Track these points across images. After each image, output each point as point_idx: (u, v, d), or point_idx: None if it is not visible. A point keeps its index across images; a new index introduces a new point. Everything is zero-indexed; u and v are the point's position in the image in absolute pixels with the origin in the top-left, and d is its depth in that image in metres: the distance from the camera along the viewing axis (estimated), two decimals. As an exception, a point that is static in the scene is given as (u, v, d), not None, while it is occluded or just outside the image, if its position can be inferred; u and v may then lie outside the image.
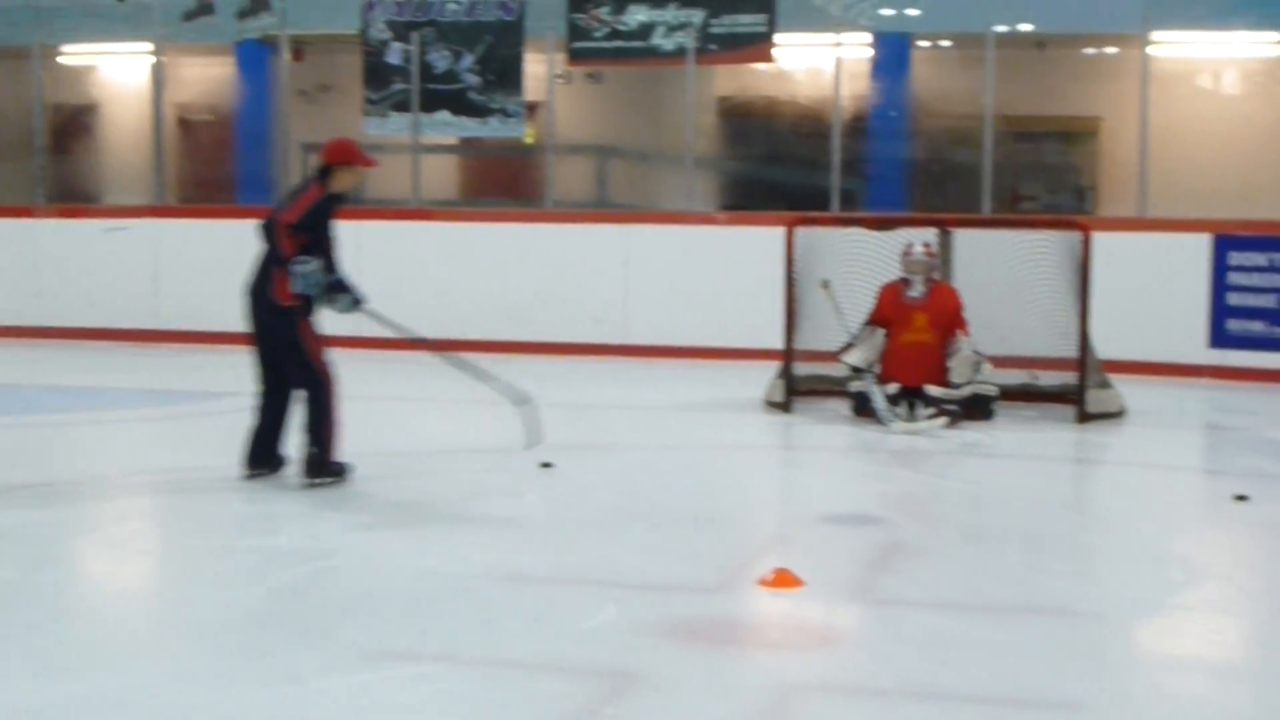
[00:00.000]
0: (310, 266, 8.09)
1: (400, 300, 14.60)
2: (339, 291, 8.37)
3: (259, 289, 8.32)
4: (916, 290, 10.68)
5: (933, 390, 10.44)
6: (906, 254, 10.81)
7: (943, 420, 10.34)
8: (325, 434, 8.31)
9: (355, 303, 8.45)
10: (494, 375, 8.96)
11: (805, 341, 11.29)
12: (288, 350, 8.32)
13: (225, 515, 7.60)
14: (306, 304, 8.22)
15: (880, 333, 10.68)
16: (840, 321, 10.81)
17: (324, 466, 8.28)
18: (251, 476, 8.39)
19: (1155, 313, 12.98)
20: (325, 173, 8.35)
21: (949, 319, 10.60)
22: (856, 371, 10.67)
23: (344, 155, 8.38)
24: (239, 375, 12.99)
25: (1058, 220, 12.25)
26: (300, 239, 8.10)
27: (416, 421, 10.53)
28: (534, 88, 15.11)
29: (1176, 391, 12.34)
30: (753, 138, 16.86)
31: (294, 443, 8.38)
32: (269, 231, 8.17)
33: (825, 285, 10.90)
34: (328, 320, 8.34)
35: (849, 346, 10.71)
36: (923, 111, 16.08)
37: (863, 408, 10.68)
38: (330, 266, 8.33)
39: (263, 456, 8.46)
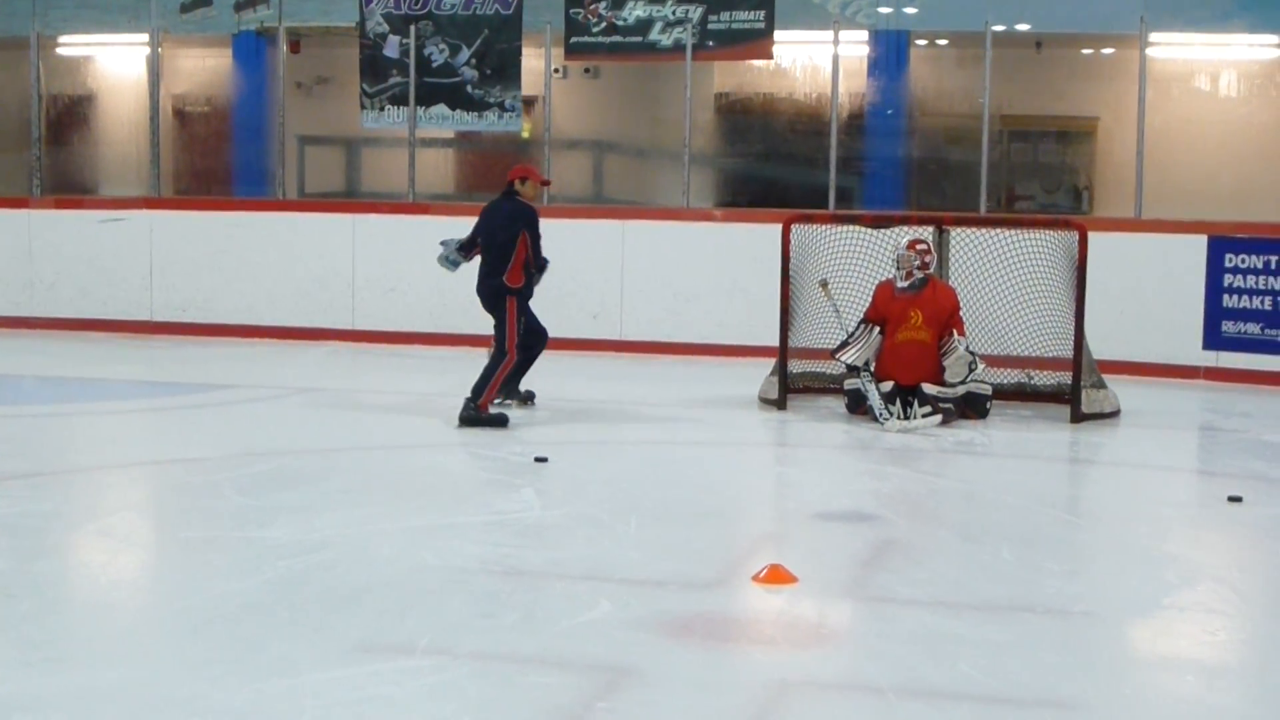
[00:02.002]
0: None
1: (396, 294, 14.71)
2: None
3: (493, 275, 10.28)
4: (902, 283, 10.68)
5: (928, 389, 10.45)
6: (895, 249, 10.85)
7: (937, 418, 10.35)
8: (486, 393, 10.00)
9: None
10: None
11: (800, 339, 11.30)
12: (498, 320, 10.23)
13: (220, 507, 7.59)
14: (527, 289, 10.29)
15: (876, 331, 10.67)
16: (839, 320, 10.81)
17: (477, 417, 9.94)
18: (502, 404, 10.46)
19: (1151, 314, 12.99)
20: (515, 187, 10.47)
21: (945, 318, 10.59)
22: (852, 370, 10.67)
23: (522, 172, 10.56)
24: (234, 367, 13.06)
25: (1054, 220, 12.26)
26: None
27: (412, 416, 10.52)
28: (531, 82, 15.10)
29: (1171, 392, 12.35)
30: (750, 134, 16.86)
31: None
32: (533, 249, 10.29)
33: (824, 285, 10.91)
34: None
35: (845, 345, 10.71)
36: (920, 110, 16.08)
37: (857, 405, 10.69)
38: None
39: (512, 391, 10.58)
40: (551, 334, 10.28)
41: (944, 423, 10.36)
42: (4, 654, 5.19)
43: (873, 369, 10.63)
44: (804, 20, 15.03)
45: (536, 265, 10.29)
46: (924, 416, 10.30)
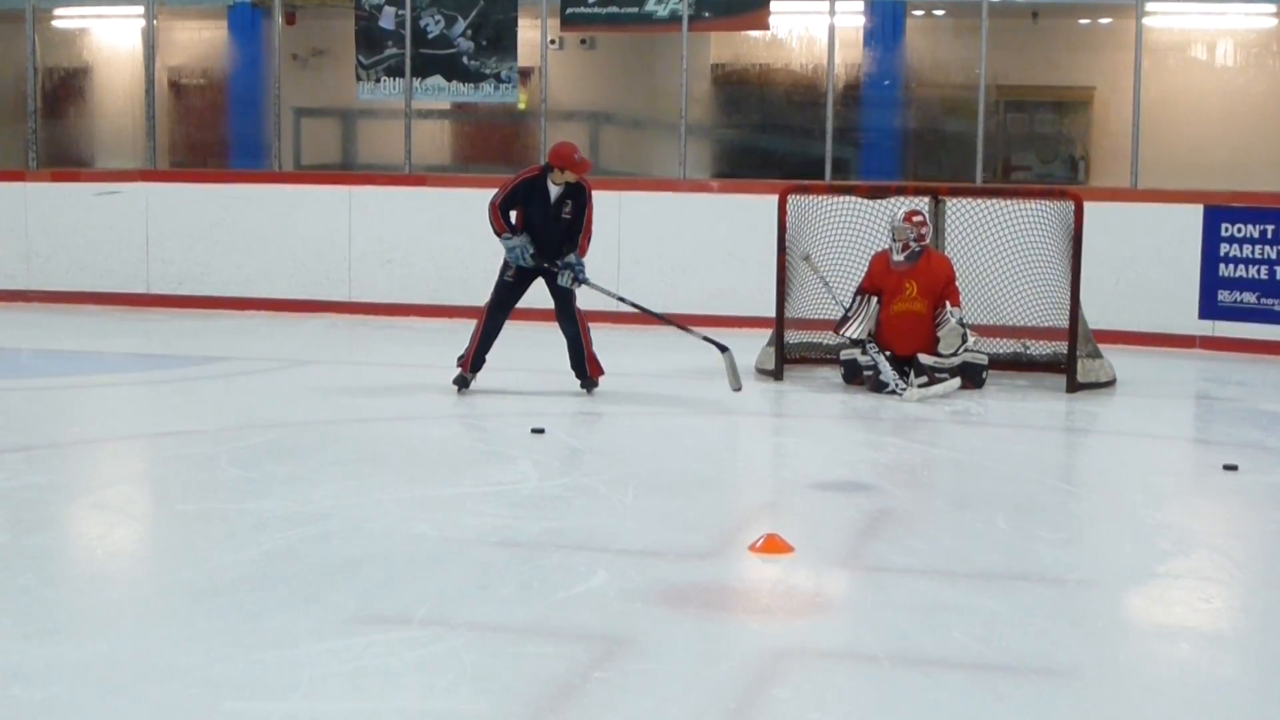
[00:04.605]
0: (511, 242, 10.05)
1: (393, 265, 14.72)
2: (563, 269, 10.12)
3: None
4: (898, 256, 10.68)
5: (925, 359, 10.46)
6: (891, 221, 10.84)
7: (955, 382, 10.38)
8: (467, 348, 10.20)
9: (574, 280, 10.14)
10: (696, 331, 10.52)
11: (797, 309, 11.31)
12: None
13: (216, 479, 7.60)
14: (511, 255, 10.12)
15: (874, 301, 10.67)
16: (830, 293, 10.82)
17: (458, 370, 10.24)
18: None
19: (1146, 283, 13.00)
20: (548, 167, 10.16)
21: (940, 288, 10.58)
22: (857, 344, 10.66)
23: (556, 158, 10.08)
24: (230, 339, 13.07)
25: (1050, 190, 12.25)
26: (507, 207, 10.10)
27: (408, 388, 10.53)
28: (527, 53, 15.07)
29: (1167, 362, 12.37)
30: (746, 105, 16.83)
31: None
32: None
33: (807, 259, 10.92)
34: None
35: (846, 319, 10.71)
36: (916, 80, 16.05)
37: (853, 376, 10.70)
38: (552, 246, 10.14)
39: (575, 370, 10.38)
40: (549, 305, 10.27)
41: (962, 386, 10.39)
42: (2, 626, 5.20)
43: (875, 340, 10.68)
44: (800, -10, 15.02)
45: (525, 257, 10.02)
46: (921, 386, 10.31)
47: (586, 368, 10.29)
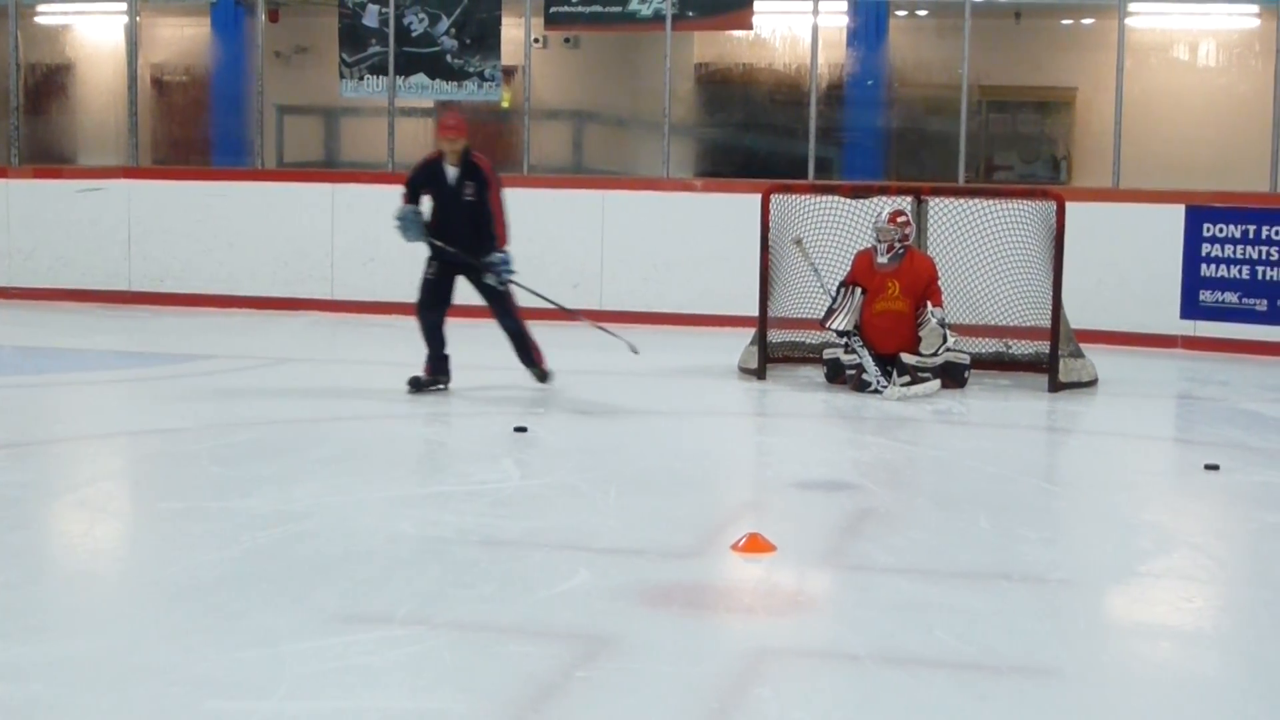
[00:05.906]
0: (400, 211, 10.08)
1: (375, 263, 14.69)
2: (488, 269, 9.95)
3: None
4: (882, 258, 10.69)
5: (907, 358, 10.47)
6: (875, 221, 10.85)
7: (935, 384, 10.38)
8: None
9: (500, 281, 9.96)
10: (610, 330, 10.71)
11: (780, 308, 11.32)
12: None
13: (199, 478, 7.59)
14: (429, 245, 10.10)
15: (859, 292, 10.66)
16: (818, 280, 10.83)
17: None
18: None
19: (1128, 283, 13.04)
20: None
21: (922, 288, 10.60)
22: (843, 335, 10.66)
23: (438, 128, 10.33)
24: (212, 337, 13.04)
25: (1032, 190, 12.28)
26: (411, 194, 10.15)
27: (391, 387, 10.52)
28: (511, 52, 15.06)
29: (1149, 361, 12.40)
30: (730, 105, 16.85)
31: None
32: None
33: (798, 242, 10.93)
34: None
35: (831, 312, 10.71)
36: (899, 81, 16.08)
37: (836, 375, 10.72)
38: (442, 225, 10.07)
39: (524, 363, 10.34)
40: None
41: (944, 386, 10.40)
42: (-18, 624, 5.19)
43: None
44: (784, -10, 15.04)
45: (409, 232, 10.08)
46: (904, 385, 10.32)
47: (533, 356, 10.26)
